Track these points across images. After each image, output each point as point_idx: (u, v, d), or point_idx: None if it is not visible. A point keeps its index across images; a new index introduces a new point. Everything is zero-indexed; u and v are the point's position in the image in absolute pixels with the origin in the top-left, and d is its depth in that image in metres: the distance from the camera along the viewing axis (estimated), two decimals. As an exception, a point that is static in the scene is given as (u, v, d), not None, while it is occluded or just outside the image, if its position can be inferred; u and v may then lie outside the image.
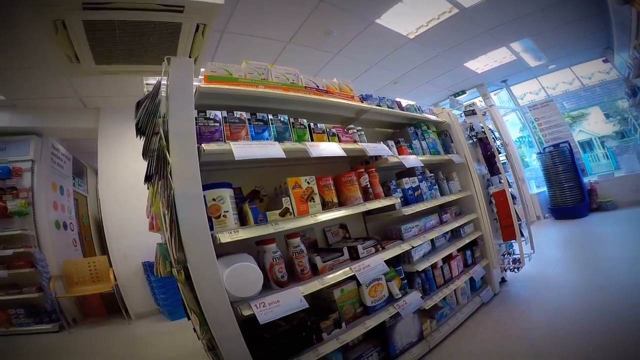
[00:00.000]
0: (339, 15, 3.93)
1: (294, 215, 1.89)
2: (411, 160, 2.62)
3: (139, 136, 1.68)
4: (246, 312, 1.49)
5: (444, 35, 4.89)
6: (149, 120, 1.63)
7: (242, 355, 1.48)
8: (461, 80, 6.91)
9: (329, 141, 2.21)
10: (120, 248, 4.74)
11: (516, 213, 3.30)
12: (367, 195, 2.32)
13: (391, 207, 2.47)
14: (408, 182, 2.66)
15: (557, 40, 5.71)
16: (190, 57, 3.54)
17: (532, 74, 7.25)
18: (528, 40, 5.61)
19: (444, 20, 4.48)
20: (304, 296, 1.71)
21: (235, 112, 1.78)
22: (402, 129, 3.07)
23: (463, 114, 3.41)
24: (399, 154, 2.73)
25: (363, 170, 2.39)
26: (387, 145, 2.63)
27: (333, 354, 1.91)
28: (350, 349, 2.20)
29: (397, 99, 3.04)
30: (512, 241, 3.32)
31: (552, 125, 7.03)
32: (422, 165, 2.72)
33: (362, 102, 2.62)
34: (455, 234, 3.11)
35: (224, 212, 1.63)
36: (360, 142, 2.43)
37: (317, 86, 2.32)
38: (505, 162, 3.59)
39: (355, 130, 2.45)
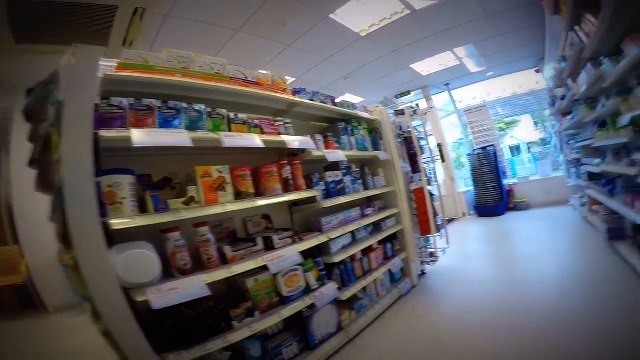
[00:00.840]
0: (294, 6, 3.91)
1: (201, 205, 1.88)
2: (335, 154, 2.75)
3: (28, 122, 1.61)
4: (140, 298, 1.50)
5: (394, 35, 5.10)
6: (39, 106, 1.57)
7: (135, 339, 1.50)
8: (407, 81, 7.27)
9: (250, 132, 2.23)
10: (35, 236, 4.34)
11: (434, 209, 3.64)
12: (287, 187, 2.40)
13: (313, 200, 2.60)
14: (331, 176, 2.80)
15: (497, 48, 6.16)
16: (125, 41, 3.37)
17: (472, 79, 7.82)
18: (471, 46, 6.01)
19: (396, 20, 4.68)
20: (209, 284, 1.73)
21: (143, 100, 1.73)
22: (334, 124, 3.19)
23: (393, 114, 3.66)
24: (326, 149, 2.85)
25: (286, 162, 2.46)
26: (314, 139, 2.75)
27: (250, 342, 1.99)
28: (270, 337, 2.27)
29: (333, 95, 3.12)
30: (429, 236, 3.66)
31: (483, 130, 7.68)
32: (347, 160, 2.86)
33: (294, 95, 2.68)
34: (377, 227, 3.33)
35: (120, 198, 1.58)
36: (287, 134, 2.49)
37: (246, 77, 2.29)
38: (429, 162, 3.92)
39: (282, 123, 2.49)
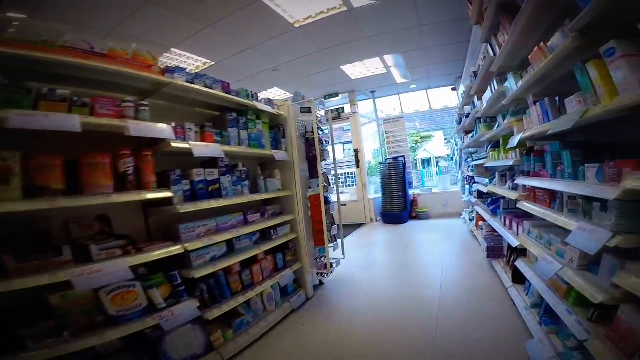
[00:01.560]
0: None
1: None
2: (208, 149, 2.26)
3: None
4: None
5: (328, 31, 4.83)
6: None
7: None
8: (337, 82, 7.08)
9: (70, 112, 1.64)
10: None
11: (331, 218, 3.40)
12: (124, 184, 1.84)
13: (169, 202, 2.07)
14: (201, 174, 2.30)
15: (423, 61, 6.26)
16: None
17: (396, 90, 8.02)
18: (400, 56, 6.03)
19: (332, 15, 4.40)
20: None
21: None
22: (223, 114, 2.70)
23: (300, 111, 3.31)
24: (202, 140, 2.35)
25: (128, 153, 1.89)
26: (181, 129, 2.22)
27: None
28: (105, 357, 1.76)
29: (227, 81, 2.63)
30: (322, 246, 3.41)
31: (397, 140, 7.93)
32: (226, 156, 2.41)
33: (163, 75, 2.11)
34: (265, 235, 2.94)
35: None
36: (136, 118, 1.92)
37: (92, 48, 1.77)
38: (330, 168, 3.69)
39: (131, 105, 1.91)
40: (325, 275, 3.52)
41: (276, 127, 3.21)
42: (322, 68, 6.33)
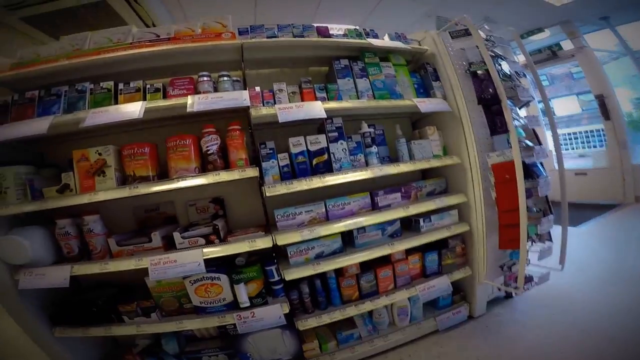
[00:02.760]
0: None
1: (76, 192, 1.32)
2: (297, 111, 1.42)
3: None
4: (16, 277, 1.31)
5: None
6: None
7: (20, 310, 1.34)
8: (533, 14, 3.96)
9: (145, 100, 1.38)
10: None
11: (543, 202, 1.62)
12: (210, 164, 1.38)
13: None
14: (300, 144, 1.50)
15: None
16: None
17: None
18: None
19: None
20: (78, 276, 1.33)
21: (26, 93, 1.40)
22: (332, 66, 1.74)
23: (450, 36, 1.72)
24: (302, 100, 1.56)
25: (210, 130, 1.41)
26: (272, 91, 1.52)
27: (167, 338, 1.54)
28: (197, 340, 1.64)
29: (319, 24, 1.68)
30: (513, 250, 1.69)
31: None
32: (324, 115, 1.41)
33: (234, 38, 1.50)
34: (410, 226, 1.76)
35: (5, 188, 1.32)
36: (218, 91, 1.44)
37: (158, 36, 1.49)
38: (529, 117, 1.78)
39: (205, 80, 1.42)
40: (514, 293, 1.82)
41: (421, 68, 1.86)
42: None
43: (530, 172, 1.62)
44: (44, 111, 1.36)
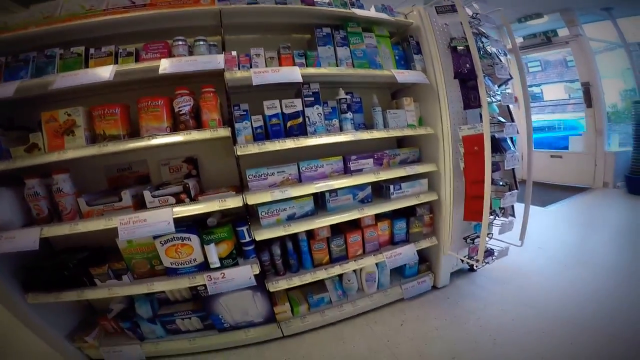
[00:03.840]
0: None
1: (44, 151, 1.30)
2: (273, 74, 1.40)
3: None
4: None
5: None
6: None
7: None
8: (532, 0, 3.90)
9: (115, 64, 1.34)
10: None
11: (510, 177, 1.68)
12: (182, 124, 1.37)
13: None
14: (275, 107, 1.49)
15: None
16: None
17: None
18: None
19: None
20: (50, 239, 1.43)
21: None
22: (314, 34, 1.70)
23: (435, 11, 1.68)
24: (280, 65, 1.53)
25: (183, 92, 1.39)
26: (249, 55, 1.49)
27: (140, 301, 1.55)
28: (170, 303, 1.66)
29: None
30: (476, 222, 1.76)
31: None
32: (300, 80, 1.39)
33: (215, 3, 1.45)
34: (381, 192, 1.81)
35: None
36: (193, 55, 1.41)
37: (133, 3, 1.43)
38: (504, 92, 1.80)
39: (180, 44, 1.39)
40: (475, 266, 1.93)
41: (404, 41, 1.84)
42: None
43: (499, 146, 1.67)
44: (10, 76, 1.33)
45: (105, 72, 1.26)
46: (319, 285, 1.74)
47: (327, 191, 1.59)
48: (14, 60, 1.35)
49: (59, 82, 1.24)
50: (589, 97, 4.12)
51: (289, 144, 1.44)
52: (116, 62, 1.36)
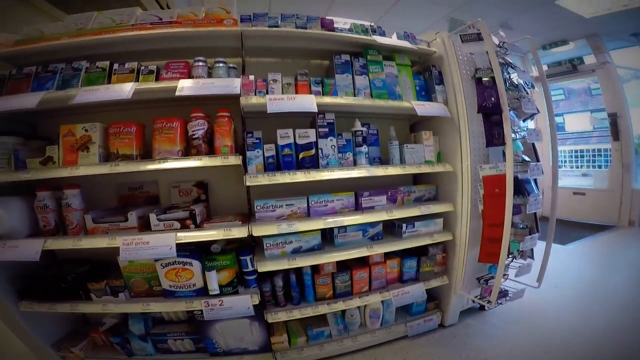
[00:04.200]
0: None
1: (58, 165, 1.31)
2: (288, 102, 1.37)
3: None
4: None
5: None
6: None
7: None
8: (557, 25, 3.67)
9: (137, 81, 1.36)
10: None
11: (531, 219, 1.57)
12: (194, 149, 1.35)
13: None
14: (288, 136, 1.45)
15: None
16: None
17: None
18: None
19: None
20: (55, 250, 1.45)
21: (24, 69, 1.41)
22: (332, 61, 1.67)
23: (460, 39, 1.61)
24: (297, 92, 1.50)
25: (198, 115, 1.38)
26: (266, 80, 1.46)
27: (134, 318, 1.52)
28: (164, 322, 1.64)
29: (327, 17, 1.61)
30: (492, 264, 1.65)
31: None
32: (315, 109, 1.34)
33: (235, 25, 1.46)
34: (394, 230, 1.73)
35: None
36: (212, 76, 1.41)
37: (160, 19, 1.47)
38: (530, 130, 1.71)
39: (200, 65, 1.39)
40: (486, 306, 1.80)
41: (426, 70, 1.78)
42: (524, 5, 3.27)
43: (522, 188, 1.57)
44: (38, 86, 1.36)
45: (124, 90, 1.27)
46: (320, 318, 1.67)
47: (337, 227, 1.53)
48: (43, 70, 1.40)
49: (79, 98, 1.25)
50: (616, 129, 3.93)
51: (300, 176, 1.39)
52: (137, 79, 1.37)
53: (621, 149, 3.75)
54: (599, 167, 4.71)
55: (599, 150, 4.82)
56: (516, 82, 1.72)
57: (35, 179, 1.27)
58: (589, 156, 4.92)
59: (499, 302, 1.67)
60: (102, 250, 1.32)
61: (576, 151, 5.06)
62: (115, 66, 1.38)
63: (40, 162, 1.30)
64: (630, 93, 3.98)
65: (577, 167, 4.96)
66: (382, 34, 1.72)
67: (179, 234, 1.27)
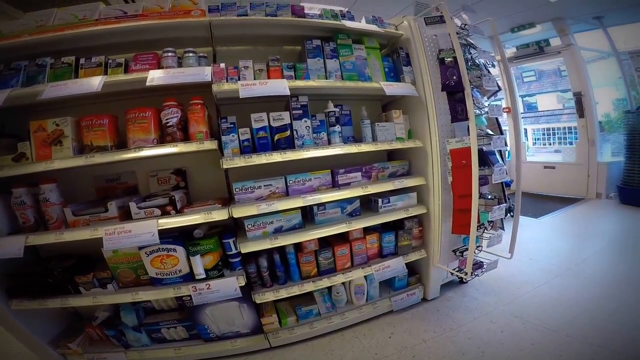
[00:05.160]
0: None
1: (32, 161, 1.31)
2: (260, 87, 1.41)
3: None
4: None
5: None
6: None
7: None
8: (526, 8, 3.89)
9: (105, 74, 1.36)
10: None
11: (499, 191, 1.69)
12: (169, 136, 1.38)
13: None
14: (262, 119, 1.50)
15: None
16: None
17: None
18: None
19: None
20: (37, 246, 1.42)
21: None
22: (304, 46, 1.72)
23: (424, 22, 1.70)
24: (269, 78, 1.54)
25: (171, 103, 1.40)
26: (237, 67, 1.50)
27: (126, 310, 1.55)
28: (156, 312, 1.66)
29: (297, 4, 1.67)
30: (464, 235, 1.76)
31: None
32: (287, 93, 1.40)
33: (204, 16, 1.47)
34: (369, 205, 1.82)
35: None
36: (182, 66, 1.43)
37: (125, 13, 1.45)
38: (495, 105, 1.82)
39: (169, 55, 1.41)
40: (464, 278, 1.92)
41: (394, 52, 1.86)
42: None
43: (487, 159, 1.68)
44: (1, 84, 1.34)
45: (93, 84, 1.27)
46: (308, 297, 1.73)
47: (315, 205, 1.59)
48: (5, 68, 1.37)
49: (47, 92, 1.25)
50: (581, 107, 4.16)
51: (276, 157, 1.44)
52: (106, 73, 1.37)
53: (586, 125, 3.98)
54: (570, 143, 4.97)
55: (569, 128, 5.09)
56: (478, 62, 1.82)
57: (10, 175, 1.26)
58: (560, 134, 5.17)
59: (475, 273, 1.78)
60: (86, 243, 1.34)
61: (548, 129, 5.32)
62: (82, 61, 1.38)
63: (13, 159, 1.30)
64: (595, 73, 4.21)
65: (550, 144, 5.21)
66: (352, 19, 1.77)
67: (160, 221, 1.30)
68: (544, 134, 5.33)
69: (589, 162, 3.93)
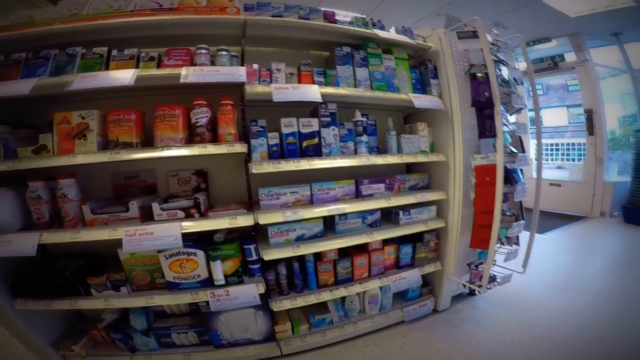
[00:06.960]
0: None
1: (53, 154, 1.26)
2: (293, 92, 1.40)
3: None
4: None
5: None
6: None
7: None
8: (543, 23, 3.88)
9: (136, 67, 1.33)
10: None
11: (517, 207, 1.71)
12: (197, 136, 1.36)
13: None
14: (292, 125, 1.49)
15: None
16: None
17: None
18: None
19: None
20: (46, 244, 1.27)
21: (12, 55, 1.34)
22: (333, 52, 1.71)
23: (457, 36, 1.71)
24: (299, 82, 1.53)
25: (201, 103, 1.37)
26: (270, 69, 1.48)
27: (135, 313, 1.51)
28: (167, 316, 1.63)
29: (328, 9, 1.64)
30: (482, 250, 1.78)
31: None
32: (319, 99, 1.41)
33: (239, 14, 1.45)
34: (389, 217, 1.82)
35: None
36: (214, 64, 1.40)
37: (161, 6, 1.41)
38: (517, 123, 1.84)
39: (202, 52, 1.38)
40: (477, 291, 1.95)
41: (422, 64, 1.87)
42: (513, 4, 3.49)
43: (510, 177, 1.70)
44: (29, 73, 1.30)
45: (126, 77, 1.24)
46: (321, 305, 1.73)
47: (338, 215, 1.59)
48: (34, 57, 1.32)
49: (77, 83, 1.21)
50: (591, 124, 4.21)
51: (304, 164, 1.44)
52: (137, 66, 1.34)
53: (595, 143, 4.05)
54: (573, 160, 5.06)
55: (573, 144, 5.17)
56: (507, 79, 1.84)
57: (29, 168, 1.22)
58: (564, 149, 5.26)
59: (489, 286, 1.81)
60: (97, 243, 1.30)
61: (552, 144, 5.40)
62: (114, 52, 1.35)
63: (33, 150, 1.26)
64: (606, 89, 4.28)
65: (552, 160, 5.30)
66: (382, 28, 1.78)
67: (183, 224, 1.28)
68: (547, 150, 5.41)
69: (595, 180, 4.00)
